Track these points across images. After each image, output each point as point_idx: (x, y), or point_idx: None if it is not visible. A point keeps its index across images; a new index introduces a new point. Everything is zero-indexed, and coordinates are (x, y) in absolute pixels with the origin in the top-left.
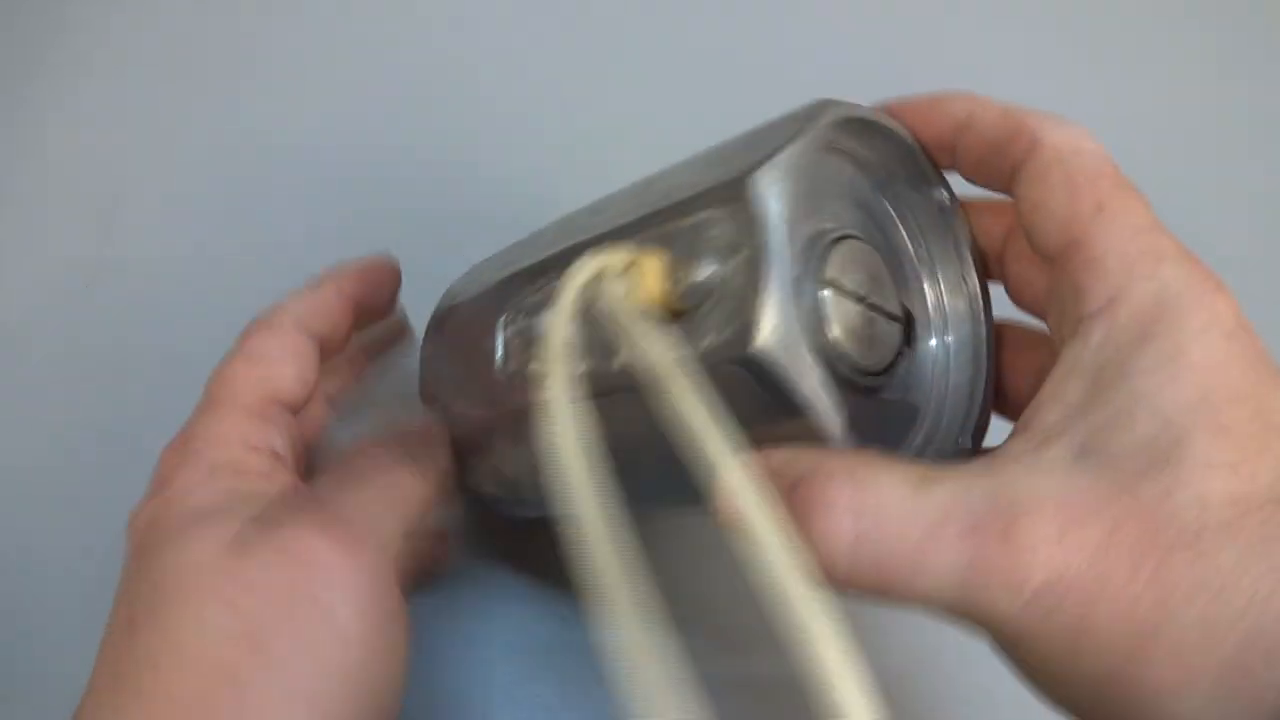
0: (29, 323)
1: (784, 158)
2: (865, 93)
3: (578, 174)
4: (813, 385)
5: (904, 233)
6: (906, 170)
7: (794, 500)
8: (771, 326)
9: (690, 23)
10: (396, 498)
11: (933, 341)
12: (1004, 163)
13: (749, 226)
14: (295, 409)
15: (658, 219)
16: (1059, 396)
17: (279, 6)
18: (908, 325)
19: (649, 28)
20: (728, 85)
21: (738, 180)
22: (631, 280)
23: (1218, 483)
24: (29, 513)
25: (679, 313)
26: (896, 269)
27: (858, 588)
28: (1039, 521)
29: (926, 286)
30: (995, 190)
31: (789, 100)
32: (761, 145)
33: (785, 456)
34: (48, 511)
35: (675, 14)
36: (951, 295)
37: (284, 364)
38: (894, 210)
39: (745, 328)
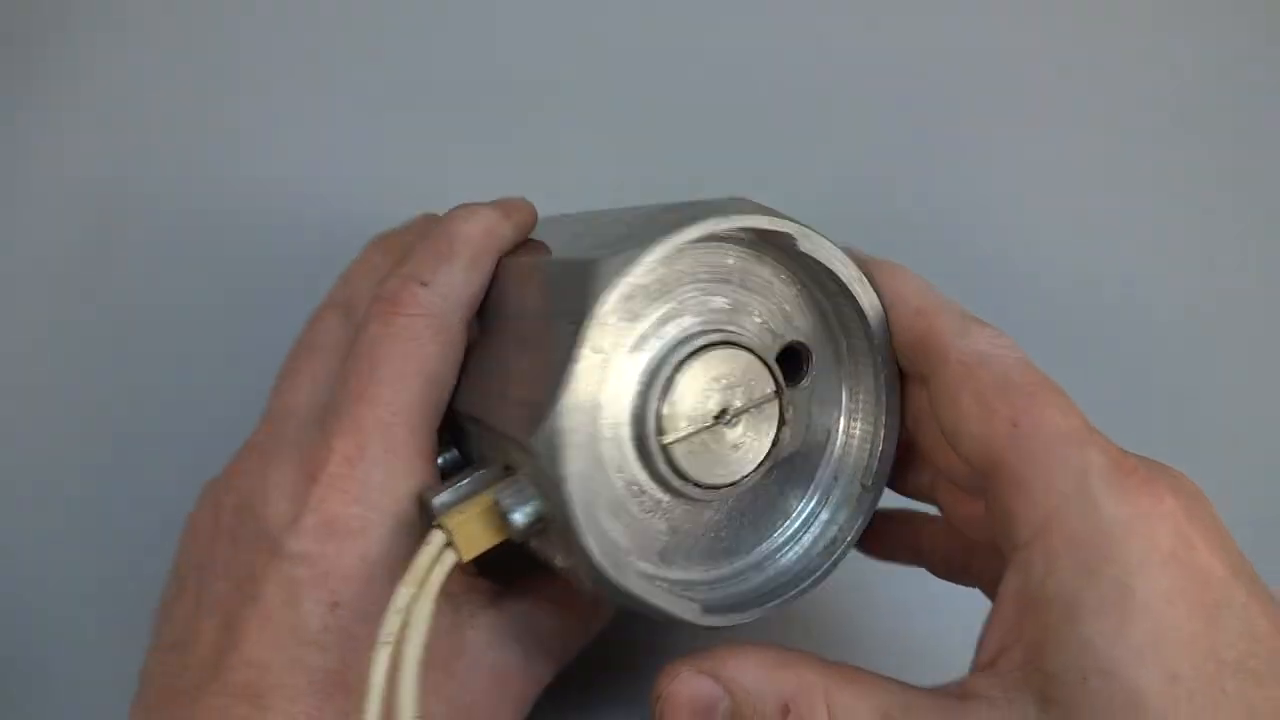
0: (29, 322)
1: (563, 421)
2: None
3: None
4: (661, 596)
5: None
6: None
7: None
8: (601, 567)
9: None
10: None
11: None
12: (917, 363)
13: (549, 487)
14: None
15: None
16: (1018, 634)
17: (283, 7)
18: (782, 400)
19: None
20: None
21: (530, 443)
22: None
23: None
24: (30, 511)
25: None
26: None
27: None
28: None
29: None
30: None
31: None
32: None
33: (761, 676)
34: (48, 510)
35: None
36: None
37: (450, 384)
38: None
39: (584, 568)
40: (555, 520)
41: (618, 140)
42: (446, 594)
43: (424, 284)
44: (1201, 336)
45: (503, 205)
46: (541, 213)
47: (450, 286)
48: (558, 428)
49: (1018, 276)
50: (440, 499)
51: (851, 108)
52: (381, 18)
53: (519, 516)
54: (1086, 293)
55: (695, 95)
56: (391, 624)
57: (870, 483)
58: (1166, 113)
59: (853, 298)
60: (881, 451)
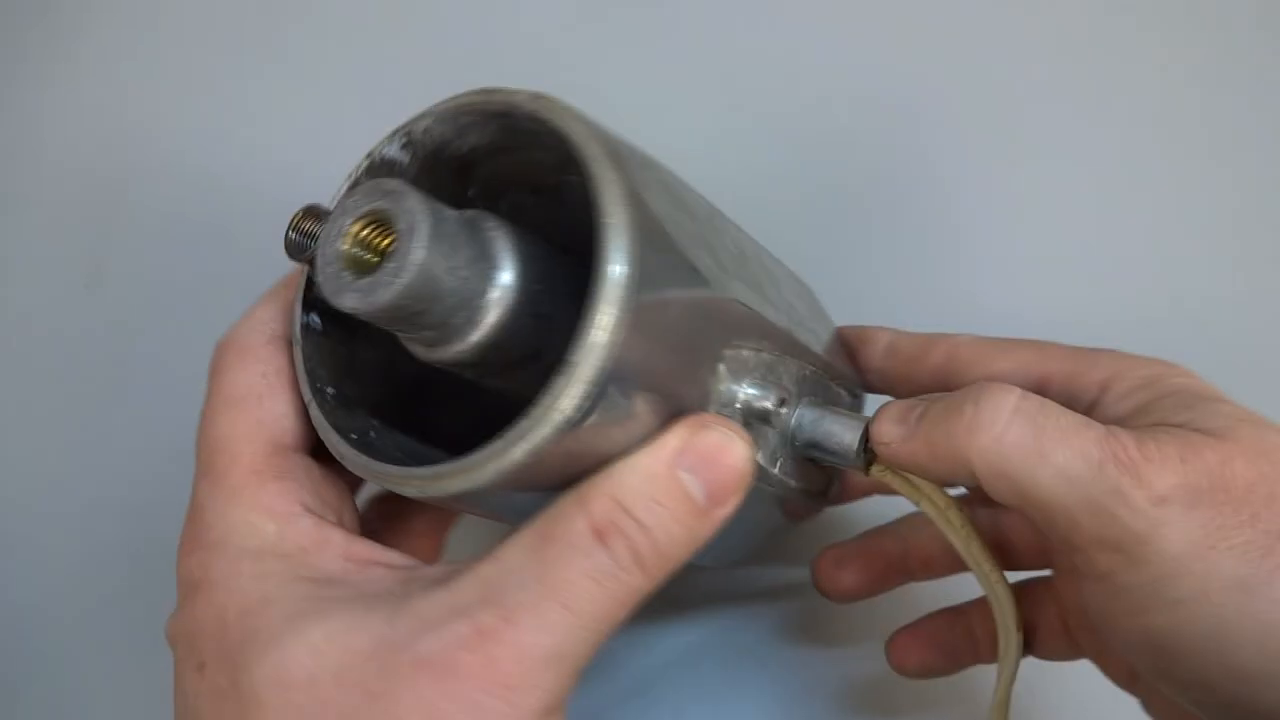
0: (29, 322)
1: None
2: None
3: None
4: None
5: None
6: None
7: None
8: None
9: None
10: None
11: None
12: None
13: None
14: (307, 446)
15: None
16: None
17: (283, 6)
18: None
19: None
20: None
21: None
22: None
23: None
24: (29, 511)
25: None
26: None
27: (1007, 454)
28: (1165, 444)
29: None
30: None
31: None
32: None
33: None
34: (48, 510)
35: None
36: None
37: (273, 398)
38: None
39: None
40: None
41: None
42: None
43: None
44: (1202, 336)
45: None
46: None
47: (246, 315)
48: None
49: (1018, 275)
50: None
51: (850, 105)
52: (383, 16)
53: None
54: (1089, 292)
55: (697, 95)
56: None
57: None
58: (1169, 110)
59: None
60: None
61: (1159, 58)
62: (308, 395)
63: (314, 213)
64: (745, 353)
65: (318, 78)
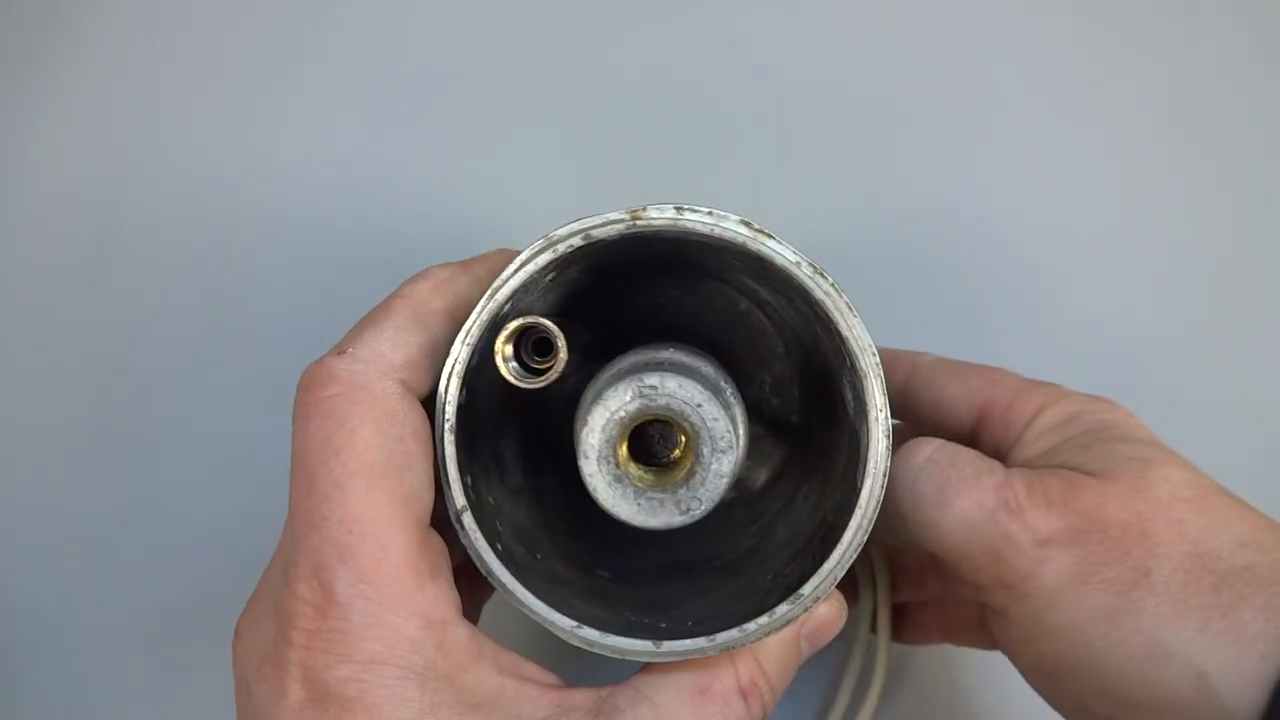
0: (29, 322)
1: None
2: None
3: None
4: None
5: None
6: None
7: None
8: None
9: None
10: None
11: None
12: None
13: None
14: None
15: None
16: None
17: (281, 5)
18: None
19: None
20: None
21: None
22: None
23: (1166, 488)
24: (29, 510)
25: None
26: None
27: (918, 503)
28: (1052, 489)
29: None
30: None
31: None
32: None
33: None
34: (48, 508)
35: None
36: None
37: (413, 470)
38: None
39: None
40: None
41: (622, 143)
42: None
43: (340, 352)
44: (1200, 334)
45: (468, 260)
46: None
47: (373, 349)
48: None
49: (1017, 274)
50: None
51: (847, 108)
52: (386, 18)
53: None
54: (1088, 291)
55: (701, 95)
56: None
57: None
58: (1166, 111)
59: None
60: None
61: None
62: (490, 556)
63: (541, 334)
64: None
65: (319, 95)
